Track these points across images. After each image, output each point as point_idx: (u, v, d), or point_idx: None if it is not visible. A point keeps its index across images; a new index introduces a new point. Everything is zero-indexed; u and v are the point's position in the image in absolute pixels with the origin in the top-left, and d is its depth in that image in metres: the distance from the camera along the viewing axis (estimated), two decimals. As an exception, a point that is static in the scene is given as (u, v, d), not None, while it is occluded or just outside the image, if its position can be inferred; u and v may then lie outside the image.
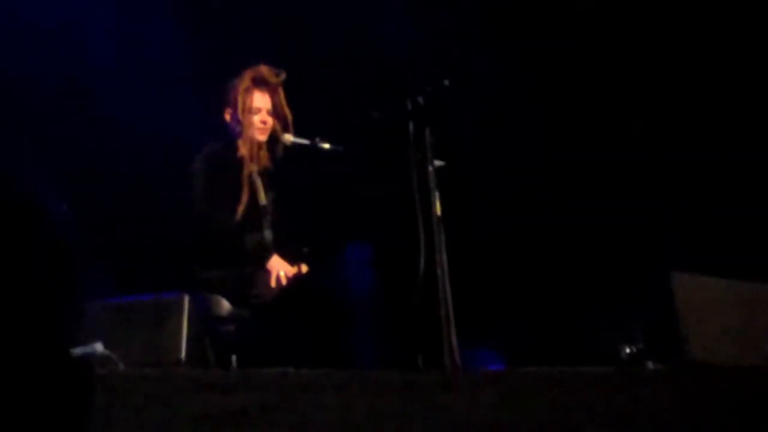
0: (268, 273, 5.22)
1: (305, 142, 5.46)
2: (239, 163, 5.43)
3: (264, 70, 5.48)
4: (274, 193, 5.54)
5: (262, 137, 5.48)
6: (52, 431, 1.22)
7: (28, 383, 1.21)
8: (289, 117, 5.52)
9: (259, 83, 5.47)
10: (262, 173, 5.52)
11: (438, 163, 5.06)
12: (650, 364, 4.66)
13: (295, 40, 6.64)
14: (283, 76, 5.51)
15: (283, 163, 5.55)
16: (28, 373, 1.21)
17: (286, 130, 5.51)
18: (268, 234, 5.44)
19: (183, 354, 4.44)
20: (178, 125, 6.16)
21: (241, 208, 5.35)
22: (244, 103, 5.42)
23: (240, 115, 5.42)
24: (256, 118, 5.45)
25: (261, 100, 5.46)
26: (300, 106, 5.55)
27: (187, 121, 6.04)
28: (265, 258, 5.26)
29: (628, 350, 5.17)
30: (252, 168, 5.46)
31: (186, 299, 4.61)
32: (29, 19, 6.23)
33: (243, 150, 5.43)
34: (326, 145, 5.44)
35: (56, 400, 1.25)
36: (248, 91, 5.44)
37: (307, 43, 6.66)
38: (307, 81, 5.88)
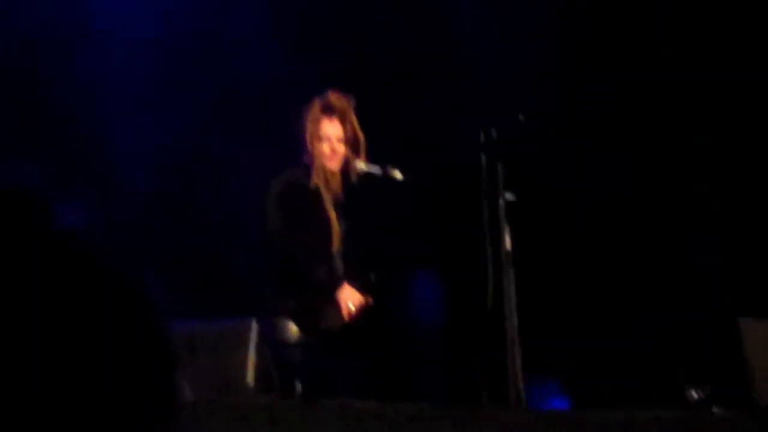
0: (338, 303, 5.24)
1: (377, 170, 5.46)
2: (314, 190, 5.45)
3: (332, 97, 5.48)
4: (346, 221, 5.55)
5: (333, 165, 5.48)
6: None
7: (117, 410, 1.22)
8: (362, 142, 5.52)
9: (328, 111, 5.47)
10: (335, 201, 5.52)
11: (509, 196, 5.07)
12: (717, 410, 4.62)
13: (370, 68, 6.65)
14: (352, 102, 5.51)
15: (354, 190, 5.55)
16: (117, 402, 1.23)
17: (358, 156, 5.51)
18: (338, 262, 5.45)
19: (250, 380, 4.48)
20: (257, 151, 6.20)
21: (314, 236, 5.38)
22: (312, 132, 5.44)
23: (309, 144, 5.44)
24: (326, 147, 5.44)
25: (330, 127, 5.46)
26: (373, 134, 5.56)
27: (266, 147, 6.08)
28: (336, 287, 5.27)
29: (695, 394, 5.13)
30: (326, 196, 5.47)
31: (254, 325, 4.66)
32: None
33: (316, 178, 5.45)
34: (398, 174, 5.43)
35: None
36: (317, 119, 5.44)
37: (382, 70, 6.67)
38: (380, 108, 5.90)
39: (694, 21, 6.67)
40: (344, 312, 5.23)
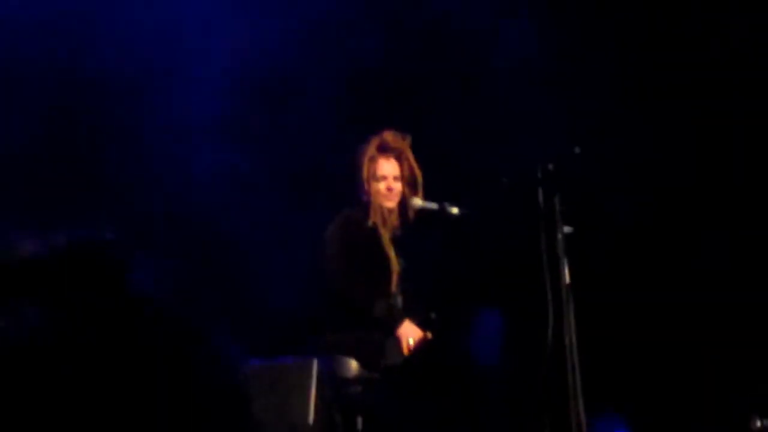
0: (398, 339, 5.25)
1: (434, 206, 5.48)
2: (371, 228, 5.47)
3: (388, 136, 5.51)
4: (405, 258, 5.56)
5: (390, 204, 5.51)
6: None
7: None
8: (419, 178, 5.54)
9: (384, 150, 5.51)
10: (393, 238, 5.54)
11: (567, 229, 5.05)
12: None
13: (425, 104, 6.67)
14: (408, 139, 5.54)
15: (413, 227, 5.57)
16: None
17: (415, 192, 5.54)
18: (398, 300, 5.47)
19: (311, 418, 4.47)
20: (312, 190, 6.25)
21: (372, 273, 5.39)
22: (368, 172, 5.47)
23: (365, 184, 5.47)
24: (382, 186, 5.48)
25: (386, 167, 5.50)
26: (430, 171, 5.58)
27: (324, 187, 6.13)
28: (396, 324, 5.28)
29: (759, 423, 5.08)
30: (383, 233, 5.49)
31: (315, 364, 4.66)
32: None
33: (373, 217, 5.47)
34: (455, 210, 5.44)
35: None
36: (373, 159, 5.49)
37: (437, 107, 6.69)
38: (437, 145, 5.91)
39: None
40: (404, 348, 5.23)
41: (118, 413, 1.18)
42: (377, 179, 5.48)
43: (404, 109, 6.52)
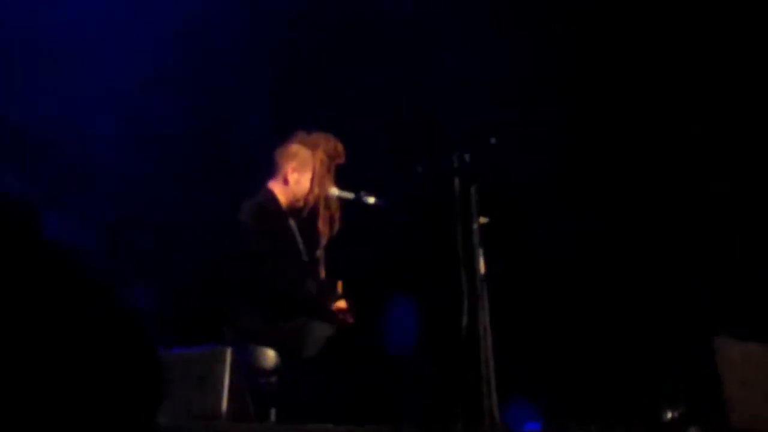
0: (315, 326, 5.23)
1: (350, 196, 5.47)
2: (286, 215, 5.48)
3: (340, 149, 5.52)
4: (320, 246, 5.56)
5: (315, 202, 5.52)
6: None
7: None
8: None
9: (332, 159, 5.52)
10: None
11: (483, 219, 5.07)
12: (692, 429, 4.62)
13: (342, 92, 6.67)
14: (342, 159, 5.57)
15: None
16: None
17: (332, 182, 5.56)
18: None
19: (224, 408, 4.44)
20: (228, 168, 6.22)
21: (290, 260, 5.39)
22: (320, 174, 5.48)
23: (315, 186, 5.46)
24: (317, 190, 5.50)
25: (329, 178, 5.55)
26: (347, 159, 5.57)
27: (240, 166, 6.10)
28: (329, 299, 5.29)
29: (670, 414, 5.14)
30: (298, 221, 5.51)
31: (229, 353, 4.62)
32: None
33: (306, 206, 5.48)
34: (371, 200, 5.44)
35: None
36: (323, 164, 5.49)
37: (355, 95, 6.69)
38: (354, 134, 5.91)
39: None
40: (341, 318, 5.25)
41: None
42: (322, 185, 5.50)
43: (324, 98, 6.53)
